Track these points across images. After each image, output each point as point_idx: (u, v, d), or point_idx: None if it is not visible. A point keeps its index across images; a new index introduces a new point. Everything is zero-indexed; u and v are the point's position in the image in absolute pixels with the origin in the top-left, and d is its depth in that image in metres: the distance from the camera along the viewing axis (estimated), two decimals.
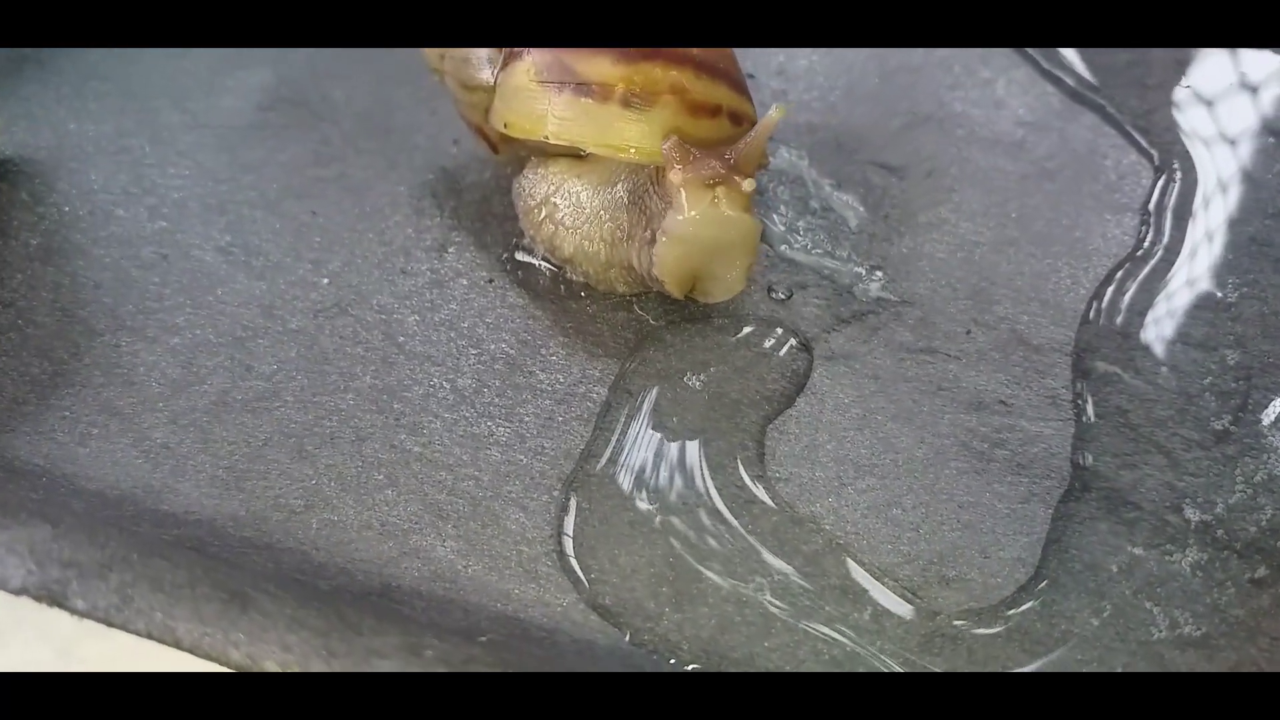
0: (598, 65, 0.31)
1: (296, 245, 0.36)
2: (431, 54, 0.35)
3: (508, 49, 0.33)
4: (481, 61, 0.34)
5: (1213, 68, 0.40)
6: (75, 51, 0.42)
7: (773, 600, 0.28)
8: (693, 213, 0.31)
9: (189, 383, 0.33)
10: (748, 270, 0.32)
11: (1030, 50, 0.41)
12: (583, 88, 0.31)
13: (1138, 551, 0.29)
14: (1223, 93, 0.40)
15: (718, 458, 0.31)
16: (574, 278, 0.35)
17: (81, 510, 0.29)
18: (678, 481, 0.30)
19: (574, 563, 0.29)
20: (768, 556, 0.29)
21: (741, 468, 0.31)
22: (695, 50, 0.32)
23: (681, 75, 0.31)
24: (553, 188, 0.34)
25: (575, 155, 0.34)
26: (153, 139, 0.39)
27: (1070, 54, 0.41)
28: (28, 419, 0.32)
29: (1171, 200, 0.37)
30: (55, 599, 0.24)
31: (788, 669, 0.27)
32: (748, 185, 0.31)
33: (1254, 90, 0.40)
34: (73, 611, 0.24)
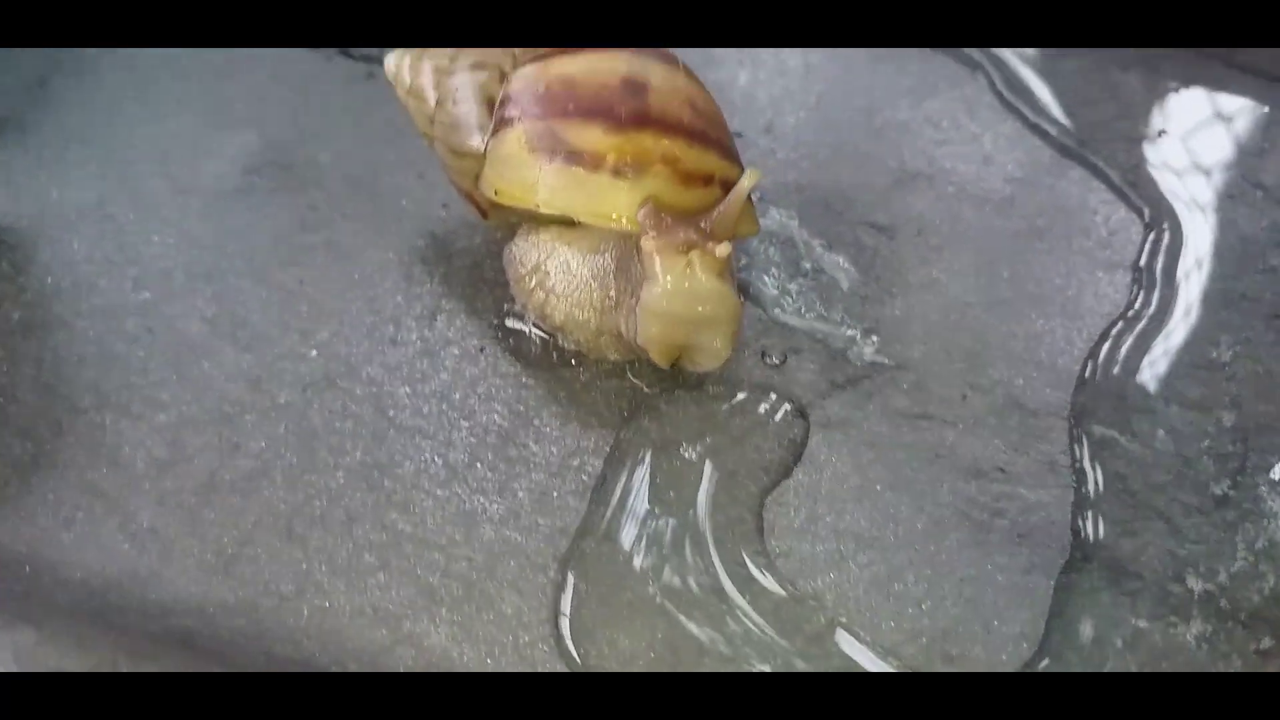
0: (589, 134, 0.31)
1: (284, 315, 0.35)
2: (421, 118, 0.35)
3: (498, 116, 0.33)
4: (471, 128, 0.34)
5: (1199, 121, 0.40)
6: (55, 115, 0.41)
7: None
8: (667, 280, 0.30)
9: (175, 462, 0.32)
10: (733, 337, 0.32)
11: (1017, 104, 0.41)
12: (574, 156, 0.31)
13: (1141, 624, 0.29)
14: (1210, 147, 0.40)
15: (716, 533, 0.30)
16: (566, 345, 0.35)
17: (66, 603, 0.28)
18: (676, 559, 0.30)
19: (571, 648, 0.29)
20: (770, 638, 0.28)
21: (741, 543, 0.30)
22: (686, 119, 0.32)
23: (673, 145, 0.31)
24: (544, 255, 0.34)
25: (566, 222, 0.33)
26: (136, 206, 0.38)
27: (1056, 108, 0.41)
28: (9, 502, 0.31)
29: (1162, 257, 0.37)
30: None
31: None
32: (722, 250, 0.30)
33: (1240, 144, 0.40)
34: None
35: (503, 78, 0.33)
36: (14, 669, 0.24)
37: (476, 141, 0.34)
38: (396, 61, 0.35)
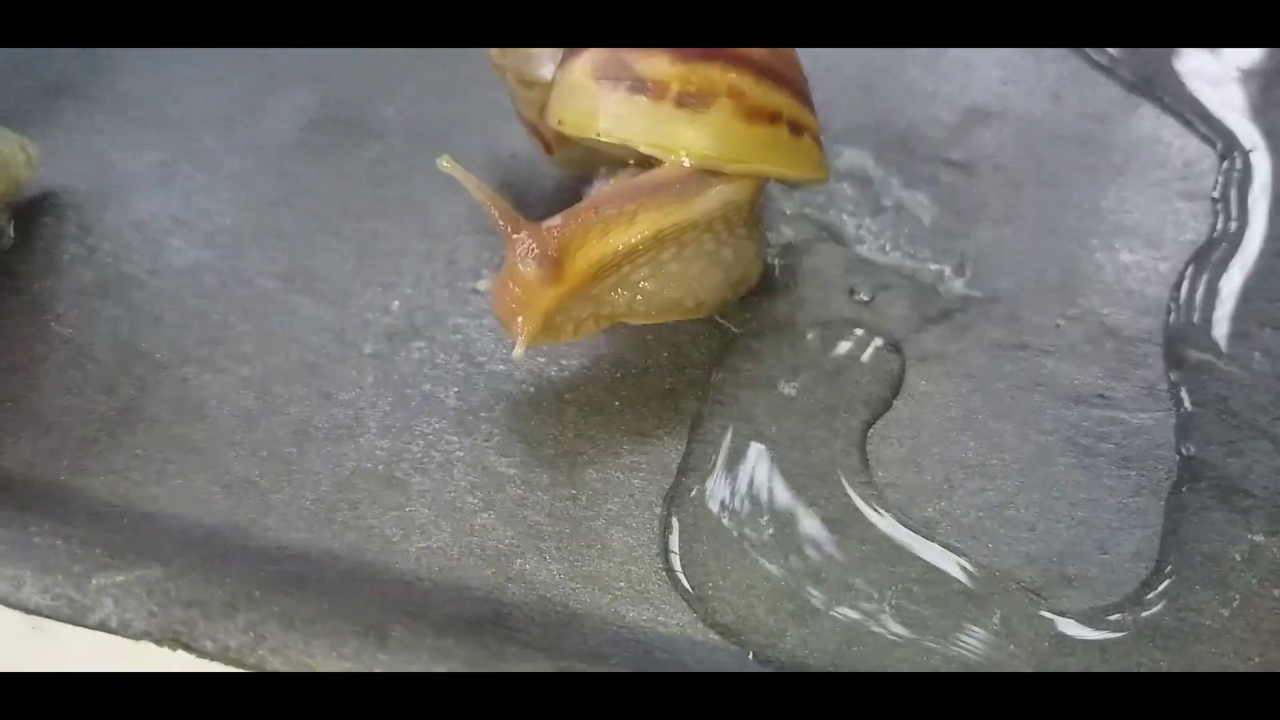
0: (654, 63, 0.30)
1: (362, 268, 0.35)
2: (494, 49, 0.35)
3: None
4: (543, 57, 0.33)
5: (1260, 52, 0.40)
6: (106, 79, 0.41)
7: (898, 610, 0.27)
8: None
9: (265, 413, 0.31)
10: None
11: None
12: (638, 85, 0.30)
13: (1258, 539, 0.29)
14: (1274, 79, 0.40)
15: (822, 466, 0.30)
16: None
17: (171, 550, 0.28)
18: (783, 494, 0.30)
19: (685, 581, 0.28)
20: (886, 566, 0.28)
21: (847, 475, 0.30)
22: (757, 52, 0.31)
23: (740, 78, 0.31)
24: None
25: (643, 162, 0.33)
26: (198, 165, 0.38)
27: (1117, 48, 0.41)
28: (99, 459, 0.31)
29: (1239, 186, 0.37)
30: (182, 642, 0.23)
31: None
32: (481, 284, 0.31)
33: None
34: (201, 654, 0.23)
35: None
36: (151, 606, 0.23)
37: (546, 71, 0.33)
38: None
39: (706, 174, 0.31)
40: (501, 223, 0.30)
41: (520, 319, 0.30)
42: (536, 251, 0.29)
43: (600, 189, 0.32)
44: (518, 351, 0.30)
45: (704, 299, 0.32)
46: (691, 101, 0.30)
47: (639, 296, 0.31)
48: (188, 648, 0.22)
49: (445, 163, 0.30)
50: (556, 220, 0.30)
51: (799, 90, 0.32)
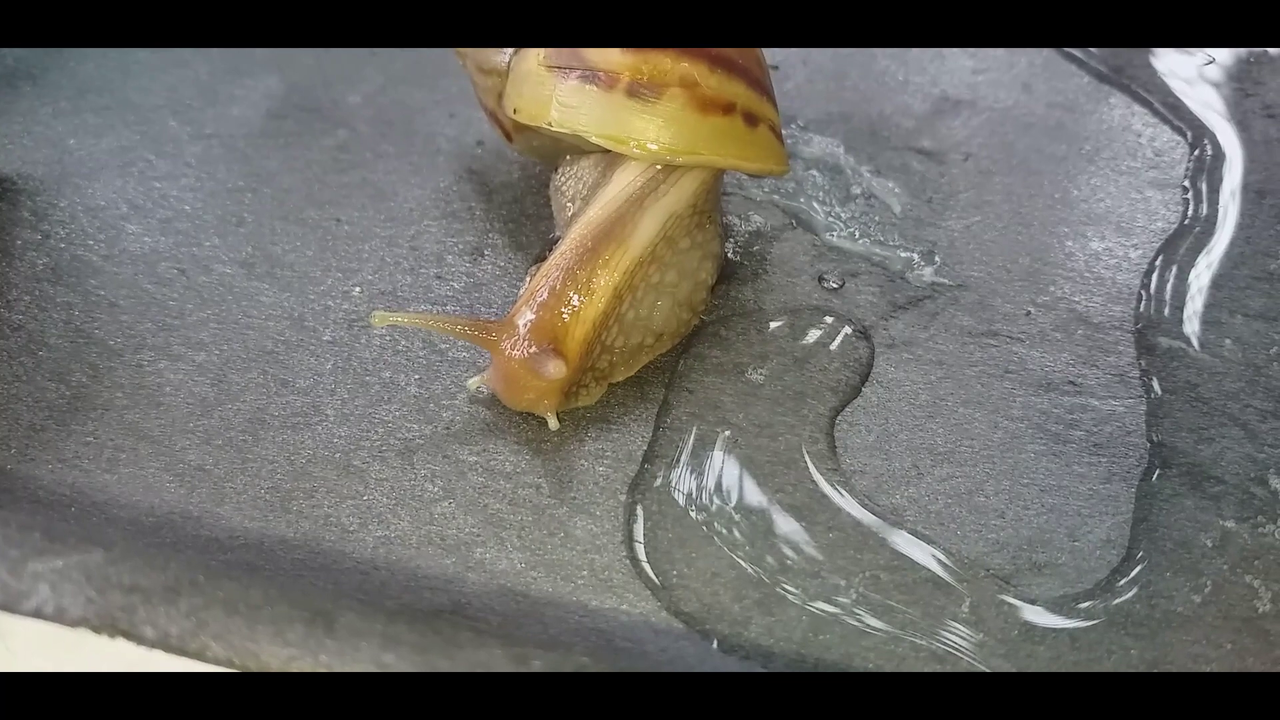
0: (606, 52, 0.30)
1: (323, 254, 0.34)
2: None
3: None
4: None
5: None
6: (69, 65, 0.40)
7: (864, 598, 0.27)
8: None
9: (221, 401, 0.31)
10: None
11: None
12: (589, 74, 0.30)
13: (1229, 525, 0.28)
14: (1242, 68, 0.40)
15: (788, 453, 0.30)
16: None
17: (120, 538, 0.27)
18: (750, 481, 0.29)
19: (649, 569, 0.28)
20: (853, 554, 0.28)
21: (814, 462, 0.29)
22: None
23: (693, 68, 0.30)
24: (582, 185, 0.33)
25: (608, 150, 0.32)
26: (159, 152, 0.37)
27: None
28: (48, 446, 0.30)
29: (1210, 174, 0.37)
30: (121, 629, 0.22)
31: (888, 669, 0.26)
32: (471, 383, 0.31)
33: (1274, 62, 0.40)
34: (140, 641, 0.22)
35: None
36: (89, 592, 0.22)
37: (503, 59, 0.33)
38: None
39: (640, 196, 0.30)
40: (477, 335, 0.29)
41: (545, 402, 0.29)
42: (532, 350, 0.29)
43: (552, 255, 0.31)
44: (554, 424, 0.30)
45: (661, 330, 0.31)
46: (643, 91, 0.30)
47: (615, 356, 0.31)
48: (126, 635, 0.22)
49: (380, 318, 0.29)
50: (528, 314, 0.29)
51: (756, 80, 0.32)
